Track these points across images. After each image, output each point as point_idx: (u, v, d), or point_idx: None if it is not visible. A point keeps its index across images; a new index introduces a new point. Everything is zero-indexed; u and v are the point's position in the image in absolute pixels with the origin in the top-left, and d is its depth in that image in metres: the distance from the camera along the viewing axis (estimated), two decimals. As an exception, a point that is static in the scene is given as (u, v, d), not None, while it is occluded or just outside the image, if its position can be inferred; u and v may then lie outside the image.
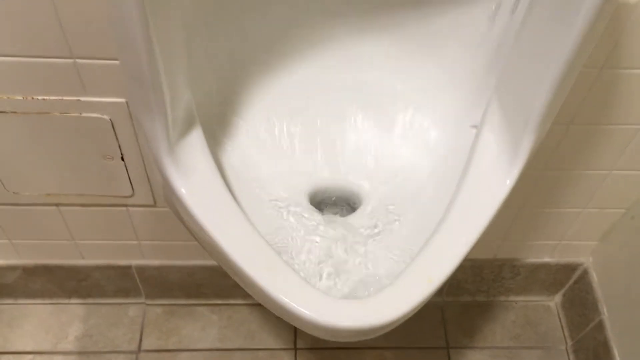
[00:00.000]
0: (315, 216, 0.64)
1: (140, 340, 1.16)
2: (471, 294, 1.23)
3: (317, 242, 0.64)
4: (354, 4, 0.64)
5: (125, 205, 0.94)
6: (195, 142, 0.56)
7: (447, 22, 0.62)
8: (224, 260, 0.56)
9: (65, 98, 0.74)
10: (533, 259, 1.13)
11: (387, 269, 0.61)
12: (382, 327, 0.53)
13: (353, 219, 0.64)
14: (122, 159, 0.83)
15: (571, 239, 1.07)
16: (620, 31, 0.69)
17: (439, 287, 0.54)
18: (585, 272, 1.12)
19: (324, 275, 0.62)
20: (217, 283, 1.15)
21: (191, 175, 0.55)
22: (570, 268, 1.14)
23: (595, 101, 0.78)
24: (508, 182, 0.55)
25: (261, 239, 0.54)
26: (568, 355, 1.18)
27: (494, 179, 0.56)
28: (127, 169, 0.85)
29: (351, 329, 0.52)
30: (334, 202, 0.66)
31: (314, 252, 0.63)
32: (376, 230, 0.65)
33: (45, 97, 0.74)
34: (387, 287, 0.53)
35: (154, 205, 0.93)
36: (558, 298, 1.23)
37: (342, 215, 0.65)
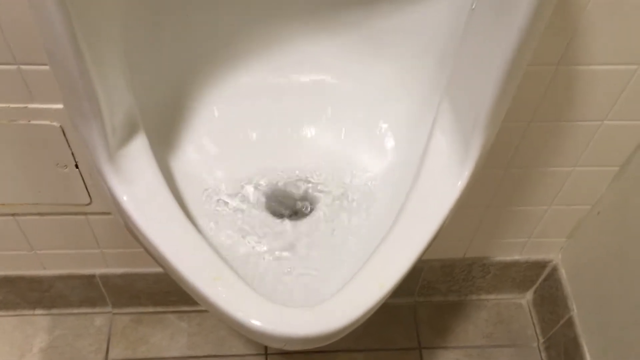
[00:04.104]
0: (268, 220, 0.63)
1: (108, 350, 1.14)
2: (443, 293, 1.22)
3: (271, 246, 0.62)
4: (308, 3, 0.63)
5: (84, 214, 0.92)
6: (139, 148, 0.54)
7: (402, 21, 0.61)
8: (170, 271, 0.55)
9: (12, 105, 0.72)
10: (502, 257, 1.13)
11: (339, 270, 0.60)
12: (333, 334, 0.51)
13: (306, 222, 0.63)
14: (77, 166, 0.81)
15: (539, 237, 1.07)
16: (574, 28, 0.69)
17: (390, 292, 0.53)
18: (555, 269, 1.12)
19: (282, 279, 0.61)
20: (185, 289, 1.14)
21: (133, 182, 0.53)
22: (540, 265, 1.14)
23: (554, 98, 0.78)
24: (459, 183, 0.54)
25: (207, 247, 0.53)
26: (540, 352, 1.18)
27: (444, 181, 0.55)
28: (82, 177, 0.83)
29: (301, 338, 0.51)
30: (286, 206, 0.65)
31: (268, 258, 0.62)
32: (334, 233, 0.64)
33: (-9, 105, 0.72)
34: (338, 293, 0.52)
35: (114, 212, 0.91)
36: (529, 295, 1.22)
37: (296, 219, 0.64)
